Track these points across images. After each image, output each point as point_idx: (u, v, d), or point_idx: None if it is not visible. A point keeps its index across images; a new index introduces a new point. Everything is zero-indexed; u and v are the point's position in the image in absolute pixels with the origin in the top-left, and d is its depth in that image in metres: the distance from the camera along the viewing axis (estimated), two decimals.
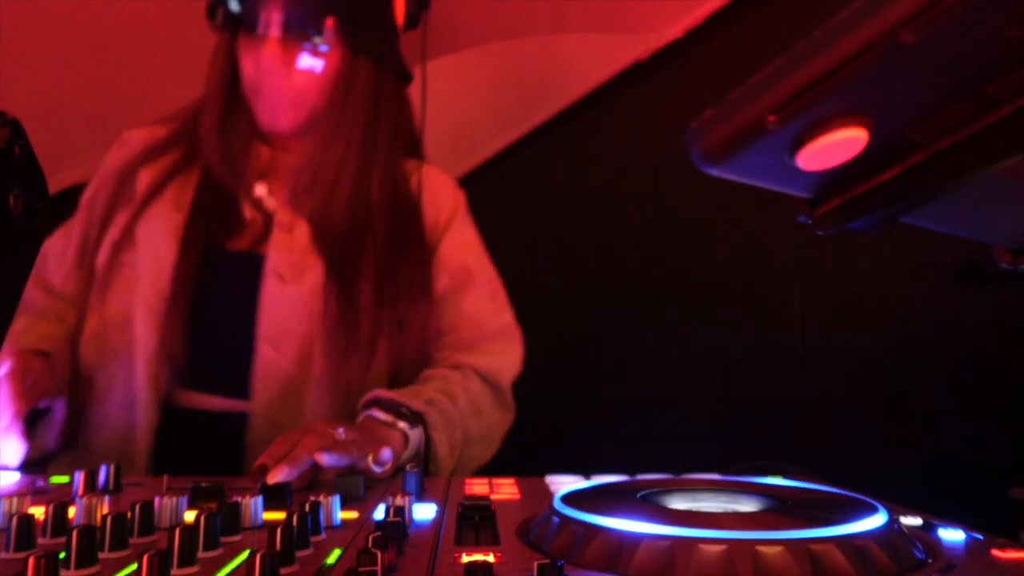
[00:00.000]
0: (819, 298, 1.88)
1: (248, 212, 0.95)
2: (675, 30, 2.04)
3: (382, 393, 0.84)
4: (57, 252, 0.98)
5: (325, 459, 0.64)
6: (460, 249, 1.03)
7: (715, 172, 0.26)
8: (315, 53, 0.92)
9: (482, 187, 2.47)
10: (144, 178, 0.96)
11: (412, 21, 1.01)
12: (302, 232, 0.93)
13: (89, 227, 0.96)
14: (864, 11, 0.21)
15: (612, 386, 2.23)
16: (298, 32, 0.90)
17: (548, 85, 2.25)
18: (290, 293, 0.90)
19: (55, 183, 2.15)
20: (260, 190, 0.97)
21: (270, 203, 0.96)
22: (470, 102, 2.29)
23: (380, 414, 0.81)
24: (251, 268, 0.91)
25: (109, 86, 1.98)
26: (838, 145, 0.24)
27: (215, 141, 0.95)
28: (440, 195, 1.05)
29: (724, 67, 2.00)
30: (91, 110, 2.03)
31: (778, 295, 1.94)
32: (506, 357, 1.01)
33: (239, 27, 0.92)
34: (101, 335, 0.92)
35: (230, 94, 0.96)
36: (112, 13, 1.87)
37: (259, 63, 0.91)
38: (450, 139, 2.35)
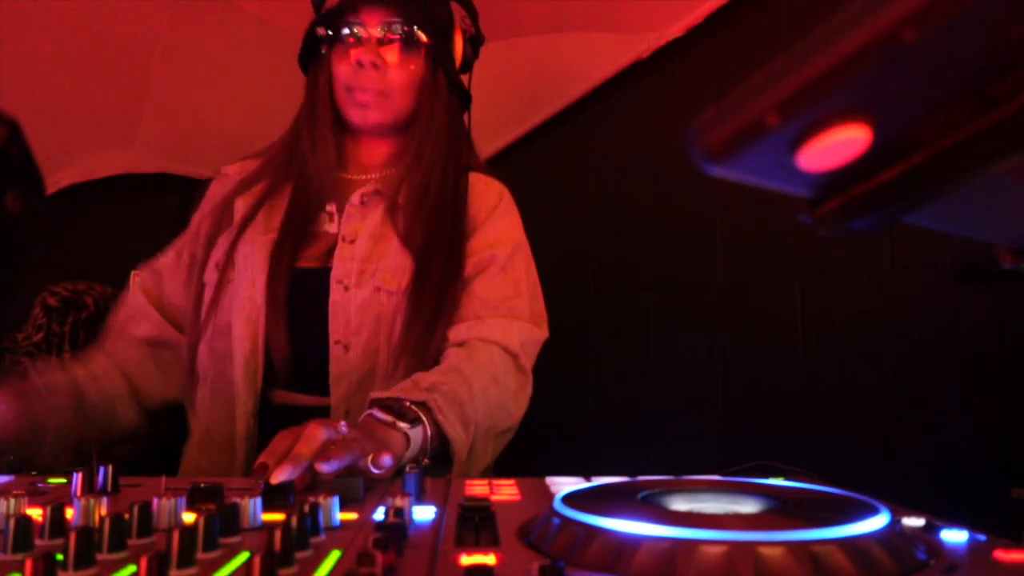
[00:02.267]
0: (820, 298, 1.87)
1: (325, 227, 1.07)
2: (675, 29, 2.04)
3: (379, 394, 0.85)
4: (170, 268, 1.13)
5: (324, 468, 0.64)
6: (492, 235, 1.10)
7: (716, 172, 0.26)
8: (408, 54, 1.05)
9: None
10: (240, 207, 1.08)
11: (467, 65, 1.15)
12: (363, 243, 1.03)
13: (196, 248, 1.10)
14: (865, 10, 0.21)
15: (612, 386, 2.23)
16: (393, 32, 1.03)
17: (548, 85, 2.25)
18: (353, 299, 1.00)
19: (53, 183, 2.16)
20: (330, 207, 1.08)
21: (337, 219, 1.07)
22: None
23: (380, 414, 0.81)
24: (321, 280, 1.02)
25: (108, 86, 1.98)
26: (839, 145, 0.24)
27: (316, 158, 1.08)
28: (485, 193, 1.13)
29: (724, 67, 2.00)
30: (89, 110, 2.03)
31: (778, 295, 1.94)
32: (512, 324, 1.05)
33: (335, 43, 1.06)
34: (212, 343, 1.04)
35: (329, 118, 1.09)
36: (111, 12, 1.87)
37: (357, 60, 1.02)
38: None
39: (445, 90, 1.10)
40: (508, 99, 2.28)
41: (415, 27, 1.04)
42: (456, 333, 1.02)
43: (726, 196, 2.01)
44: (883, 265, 1.77)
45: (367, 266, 1.02)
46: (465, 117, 1.16)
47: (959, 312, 1.67)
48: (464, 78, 1.16)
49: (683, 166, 2.10)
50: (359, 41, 1.03)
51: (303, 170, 1.08)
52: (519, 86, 2.25)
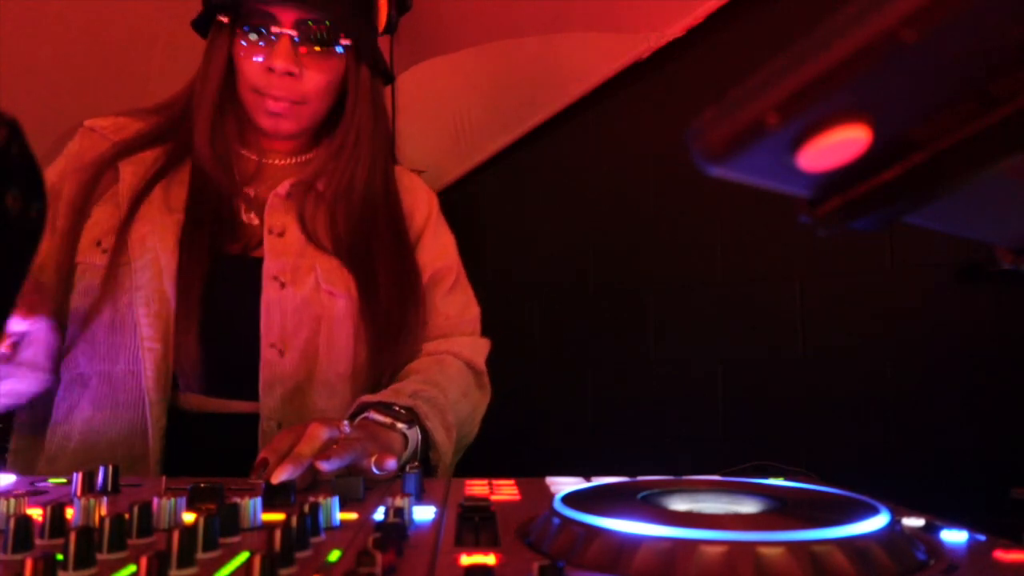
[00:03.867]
0: (820, 299, 1.87)
1: (242, 216, 0.96)
2: (675, 29, 2.04)
3: (368, 398, 0.85)
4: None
5: (325, 467, 0.64)
6: (438, 249, 1.07)
7: (716, 172, 0.26)
8: (326, 57, 0.93)
9: (482, 187, 2.47)
10: (127, 175, 0.93)
11: (391, 26, 1.02)
12: (294, 236, 0.95)
13: (55, 215, 0.91)
14: (865, 10, 0.21)
15: (612, 386, 2.23)
16: (310, 35, 0.90)
17: (548, 85, 2.25)
18: (290, 297, 0.92)
19: None
20: (252, 192, 0.98)
21: (260, 208, 0.97)
22: (470, 102, 2.29)
23: (378, 416, 0.81)
24: (250, 272, 0.92)
25: (108, 85, 1.98)
26: (839, 145, 0.24)
27: (209, 141, 0.95)
28: (416, 196, 1.08)
29: (724, 67, 2.00)
30: (90, 110, 2.03)
31: (779, 296, 1.94)
32: (477, 342, 1.06)
33: (236, 27, 0.92)
34: (96, 340, 0.90)
35: (223, 95, 0.96)
36: (111, 13, 1.87)
37: (268, 64, 0.90)
38: (449, 139, 2.35)
39: (368, 81, 0.99)
40: (508, 99, 2.28)
41: (336, 27, 0.91)
42: (427, 345, 1.01)
43: (726, 196, 2.01)
44: (883, 265, 1.77)
45: (302, 262, 0.93)
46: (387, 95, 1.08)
47: (959, 312, 1.67)
48: (385, 43, 1.07)
49: (683, 166, 2.12)
50: (268, 39, 0.90)
51: (200, 145, 0.95)
52: (519, 86, 2.25)
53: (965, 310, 1.66)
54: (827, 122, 0.24)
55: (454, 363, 1.00)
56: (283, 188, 0.97)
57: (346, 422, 0.72)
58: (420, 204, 1.08)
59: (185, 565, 0.38)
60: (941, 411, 1.67)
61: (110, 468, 0.63)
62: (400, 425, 0.81)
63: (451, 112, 2.30)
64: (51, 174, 0.95)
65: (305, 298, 0.92)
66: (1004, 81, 0.23)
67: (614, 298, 2.25)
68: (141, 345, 0.88)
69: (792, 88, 0.23)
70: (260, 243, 0.94)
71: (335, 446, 0.67)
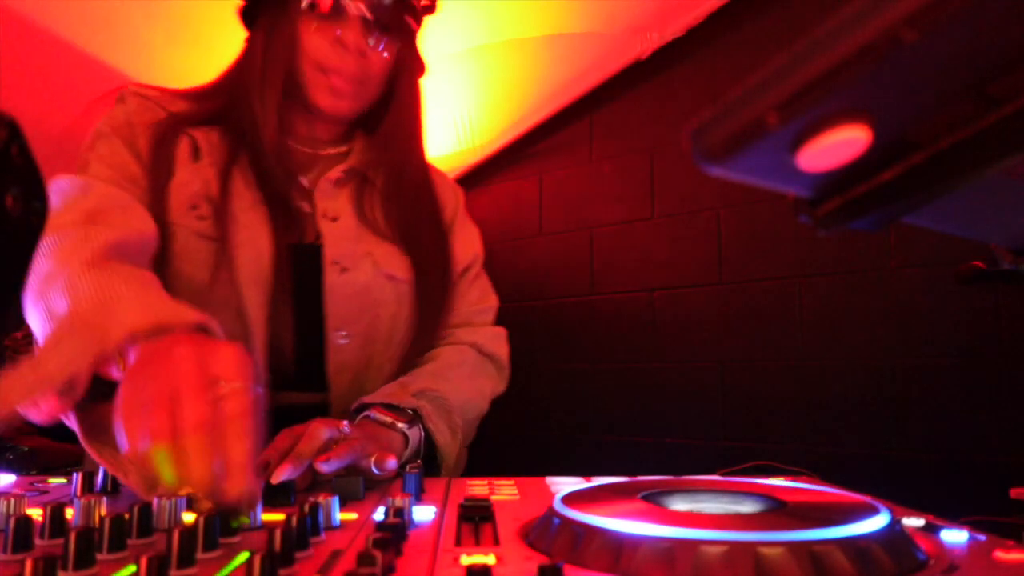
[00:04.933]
0: (820, 299, 1.87)
1: (298, 204, 0.95)
2: (675, 29, 2.04)
3: (370, 398, 0.84)
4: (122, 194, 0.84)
5: (324, 468, 0.64)
6: (466, 241, 1.08)
7: (715, 172, 0.26)
8: (390, 39, 0.93)
9: (482, 187, 2.47)
10: (204, 144, 0.90)
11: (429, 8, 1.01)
12: (348, 222, 0.95)
13: (129, 168, 0.86)
14: (864, 10, 0.21)
15: (612, 386, 2.23)
16: (381, 15, 0.90)
17: (548, 85, 2.25)
18: (351, 281, 0.92)
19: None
20: (305, 182, 0.97)
21: (309, 197, 0.96)
22: (470, 102, 2.29)
23: (379, 415, 0.81)
24: (310, 259, 0.92)
25: (108, 86, 1.98)
26: (839, 145, 0.24)
27: (275, 128, 0.93)
28: (445, 189, 1.10)
29: (724, 67, 2.00)
30: (91, 110, 2.03)
31: (779, 296, 1.94)
32: (498, 333, 1.08)
33: (306, 5, 0.90)
34: (212, 307, 0.79)
35: (286, 81, 0.93)
36: (112, 13, 1.87)
37: (340, 40, 0.89)
38: (449, 139, 2.35)
39: (417, 69, 1.01)
40: (508, 99, 2.28)
41: (404, 10, 0.92)
42: (452, 335, 1.02)
43: (727, 196, 2.01)
44: (883, 265, 1.77)
45: (358, 247, 0.94)
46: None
47: (959, 312, 1.67)
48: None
49: (684, 166, 2.11)
50: (340, 16, 0.89)
51: (255, 131, 0.92)
52: (519, 86, 2.25)
53: (965, 310, 1.65)
54: (827, 122, 0.24)
55: (473, 356, 1.01)
56: (334, 174, 0.97)
57: (346, 422, 0.72)
58: (449, 197, 1.09)
59: (185, 565, 0.38)
60: (941, 411, 1.67)
61: None
62: (401, 424, 0.80)
63: (451, 112, 2.30)
64: (100, 135, 0.89)
65: (365, 283, 0.93)
66: (1004, 81, 0.23)
67: (614, 298, 2.25)
68: (253, 329, 0.85)
69: (792, 88, 0.23)
70: (313, 231, 0.94)
71: (335, 446, 0.67)
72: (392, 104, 1.00)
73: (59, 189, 0.81)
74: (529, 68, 2.20)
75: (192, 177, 0.88)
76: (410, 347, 0.96)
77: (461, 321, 1.04)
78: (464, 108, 2.29)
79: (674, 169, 2.13)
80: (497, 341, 1.07)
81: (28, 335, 2.26)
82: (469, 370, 0.99)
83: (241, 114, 0.93)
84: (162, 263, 0.84)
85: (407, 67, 0.99)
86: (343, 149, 1.02)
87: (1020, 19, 0.21)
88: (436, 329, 0.98)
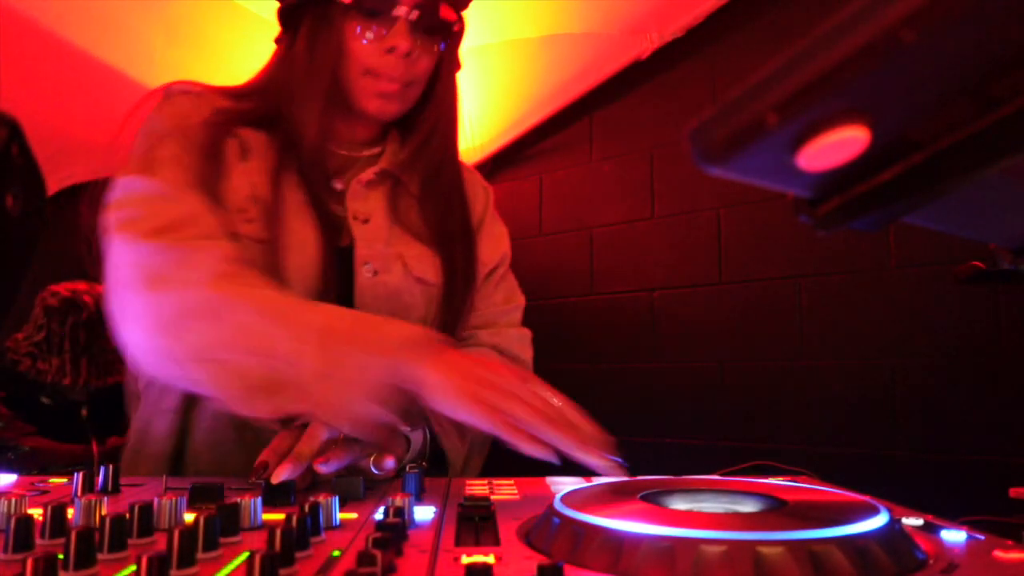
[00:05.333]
0: (820, 299, 1.87)
1: (332, 207, 0.94)
2: (675, 29, 2.04)
3: None
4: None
5: (323, 468, 0.64)
6: (494, 241, 1.07)
7: (715, 172, 0.26)
8: (434, 40, 0.92)
9: None
10: (252, 144, 0.90)
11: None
12: (379, 223, 0.94)
13: (191, 175, 0.85)
14: (864, 10, 0.21)
15: (612, 386, 2.23)
16: (428, 18, 0.89)
17: (548, 85, 2.25)
18: (382, 284, 0.92)
19: (54, 183, 2.16)
20: (339, 185, 0.96)
21: (341, 199, 0.95)
22: (470, 102, 2.29)
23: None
24: (342, 261, 0.91)
25: (108, 86, 1.98)
26: (839, 144, 0.24)
27: (319, 133, 0.92)
28: (475, 187, 1.08)
29: (724, 67, 2.00)
30: (90, 106, 2.03)
31: (779, 296, 1.94)
32: (524, 335, 1.06)
33: (352, 9, 0.89)
34: None
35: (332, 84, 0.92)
36: (112, 13, 1.87)
37: (388, 45, 0.88)
38: None
39: (455, 69, 1.00)
40: (508, 99, 2.28)
41: (451, 13, 0.92)
42: (475, 336, 1.00)
43: (727, 196, 2.01)
44: (884, 265, 1.77)
45: (390, 249, 0.93)
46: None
47: (959, 312, 1.67)
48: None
49: (684, 166, 2.11)
50: (386, 20, 0.88)
51: (297, 134, 0.92)
52: (519, 86, 2.25)
53: (965, 310, 1.66)
54: (827, 122, 0.24)
55: (494, 359, 0.99)
56: (365, 176, 0.96)
57: None
58: (479, 196, 1.08)
59: (185, 565, 0.38)
60: (941, 411, 1.67)
61: (111, 468, 0.63)
62: (403, 427, 0.80)
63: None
64: (152, 131, 0.88)
65: (396, 286, 0.92)
66: (1004, 81, 0.23)
67: (614, 298, 2.26)
68: None
69: (792, 88, 0.23)
70: (347, 234, 0.93)
71: (335, 446, 0.67)
72: (430, 103, 0.98)
73: (135, 191, 0.81)
74: (529, 68, 2.20)
75: (241, 179, 0.88)
76: None
77: (484, 323, 1.03)
78: (464, 108, 2.29)
79: (674, 169, 2.13)
80: (521, 343, 1.05)
81: (29, 336, 2.25)
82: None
83: (284, 118, 0.92)
84: None
85: (447, 66, 0.98)
86: (376, 150, 1.01)
87: (1020, 19, 0.21)
88: (455, 332, 0.96)
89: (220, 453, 0.87)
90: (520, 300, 1.09)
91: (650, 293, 2.17)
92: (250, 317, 0.70)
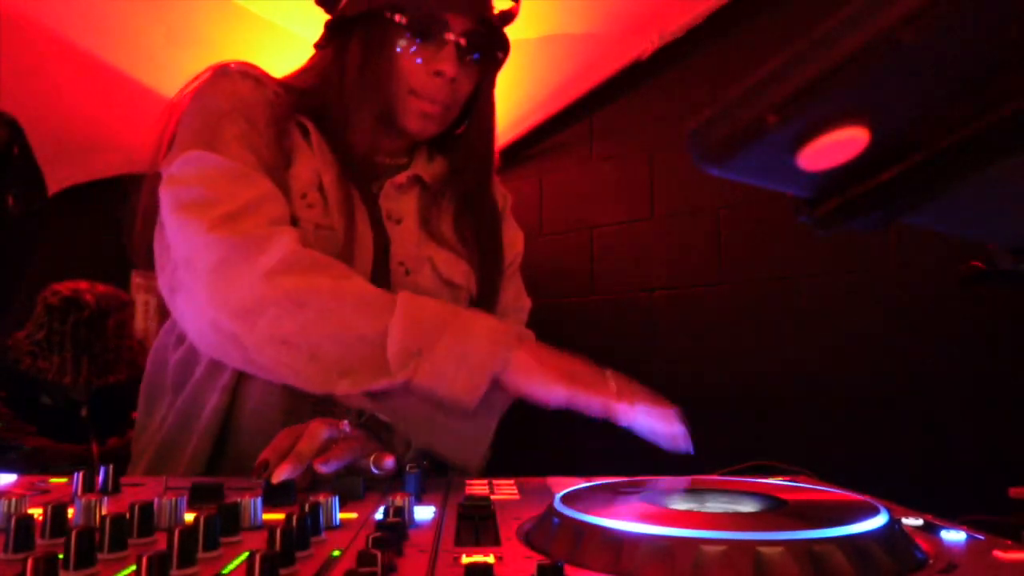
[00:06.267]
0: (820, 299, 1.87)
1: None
2: (675, 29, 2.04)
3: None
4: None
5: (323, 469, 0.64)
6: (511, 242, 1.08)
7: (715, 172, 0.26)
8: (477, 65, 0.94)
9: None
10: (314, 130, 0.91)
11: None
12: (410, 225, 0.96)
13: (262, 155, 0.86)
14: (864, 11, 0.21)
15: None
16: (475, 45, 0.92)
17: (548, 85, 2.25)
18: (411, 284, 0.93)
19: (54, 183, 2.16)
20: (375, 187, 0.98)
21: (378, 199, 0.96)
22: None
23: (381, 416, 0.81)
24: (381, 261, 0.92)
25: (108, 86, 1.98)
26: (838, 145, 0.24)
27: (367, 141, 0.94)
28: (498, 197, 1.10)
29: (724, 67, 2.00)
30: (90, 105, 2.03)
31: (779, 296, 1.94)
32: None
33: (405, 30, 0.91)
34: None
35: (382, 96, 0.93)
36: (112, 12, 1.88)
37: (435, 68, 0.90)
38: None
39: (494, 88, 1.02)
40: (508, 99, 2.28)
41: (497, 39, 0.95)
42: None
43: (727, 196, 2.01)
44: (884, 265, 1.77)
45: (421, 251, 0.95)
46: None
47: (959, 312, 1.67)
48: None
49: (684, 166, 2.11)
50: (437, 43, 0.90)
51: (359, 144, 0.94)
52: (519, 86, 2.25)
53: (965, 310, 1.66)
54: (827, 122, 0.24)
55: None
56: (399, 179, 0.97)
57: (346, 421, 0.72)
58: (499, 200, 1.10)
59: (186, 565, 0.38)
60: (941, 411, 1.67)
61: (110, 468, 0.63)
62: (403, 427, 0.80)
63: None
64: (218, 106, 0.87)
65: (426, 287, 0.93)
66: (1003, 81, 0.23)
67: (615, 298, 2.26)
68: None
69: (792, 88, 0.23)
70: (381, 234, 0.94)
71: (334, 446, 0.67)
72: (471, 122, 1.01)
73: (204, 168, 0.82)
74: (529, 68, 2.20)
75: (305, 166, 0.89)
76: None
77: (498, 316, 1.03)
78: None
79: (674, 169, 2.13)
80: None
81: (30, 335, 2.25)
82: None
83: (335, 120, 0.94)
84: None
85: (487, 88, 1.00)
86: (403, 160, 1.03)
87: (1018, 19, 0.21)
88: None
89: (265, 434, 0.86)
90: (526, 302, 1.11)
91: (650, 293, 2.17)
92: (330, 303, 0.73)
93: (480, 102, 1.00)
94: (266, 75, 0.96)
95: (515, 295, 1.08)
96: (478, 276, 0.99)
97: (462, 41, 0.90)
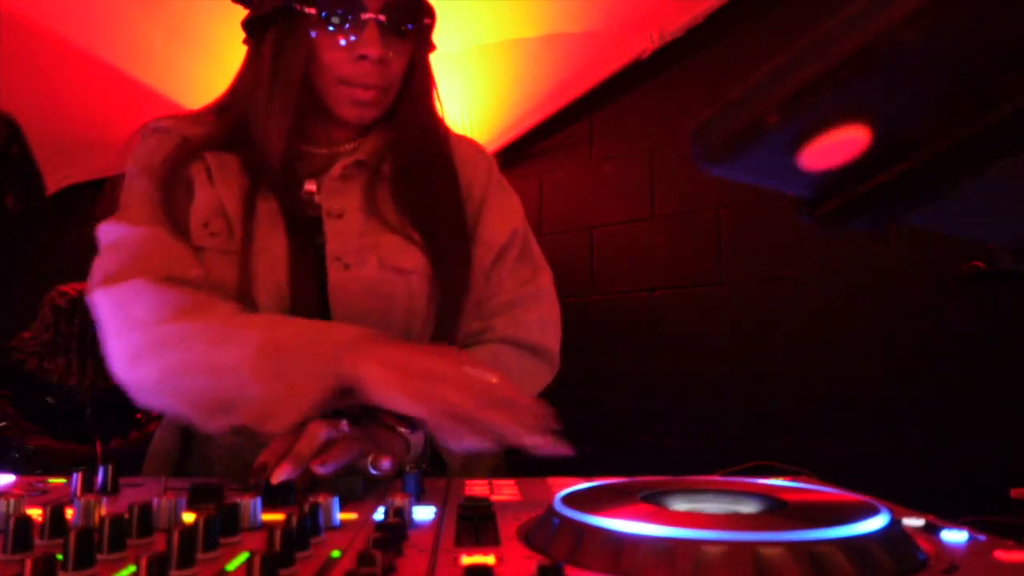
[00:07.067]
0: (820, 299, 1.87)
1: (306, 208, 0.93)
2: (675, 29, 2.04)
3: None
4: (162, 240, 0.88)
5: (321, 470, 0.64)
6: (502, 219, 1.01)
7: (716, 172, 0.26)
8: (405, 39, 0.90)
9: None
10: (216, 164, 0.91)
11: None
12: (353, 217, 0.92)
13: (152, 211, 0.89)
14: (864, 11, 0.21)
15: (612, 386, 2.23)
16: (397, 18, 0.88)
17: (548, 85, 2.25)
18: (355, 277, 0.90)
19: (54, 183, 2.16)
20: (310, 186, 0.94)
21: (318, 196, 0.94)
22: (469, 102, 2.29)
23: (382, 416, 0.81)
24: (317, 258, 0.90)
25: (108, 86, 1.98)
26: (839, 145, 0.24)
27: (285, 144, 0.92)
28: (474, 166, 1.03)
29: (724, 67, 2.00)
30: (90, 103, 2.03)
31: (778, 295, 1.94)
32: (547, 318, 1.02)
33: (318, 17, 0.88)
34: None
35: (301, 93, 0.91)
36: (112, 13, 1.87)
37: (359, 52, 0.86)
38: None
39: (428, 57, 0.97)
40: (508, 99, 2.28)
41: (419, 12, 0.90)
42: (491, 328, 0.97)
43: (727, 196, 2.01)
44: (884, 265, 1.77)
45: (365, 241, 0.91)
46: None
47: (959, 312, 1.67)
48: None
49: (684, 166, 2.11)
50: (355, 26, 0.87)
51: (264, 147, 0.92)
52: (519, 86, 2.25)
53: (965, 310, 1.66)
54: (827, 122, 0.24)
55: (509, 355, 0.96)
56: (336, 170, 0.93)
57: (345, 421, 0.72)
58: (478, 174, 1.03)
59: (185, 565, 0.38)
60: (941, 411, 1.67)
61: (110, 468, 0.63)
62: (402, 428, 0.80)
63: (451, 112, 2.30)
64: (139, 184, 0.92)
65: (370, 279, 0.90)
66: (1004, 81, 0.23)
67: (614, 298, 2.25)
68: None
69: (792, 88, 0.23)
70: (320, 232, 0.92)
71: (333, 447, 0.67)
72: (404, 91, 0.95)
73: (112, 237, 0.88)
74: (529, 68, 2.20)
75: (207, 198, 0.90)
76: (430, 341, 0.92)
77: (500, 310, 0.98)
78: (464, 108, 2.29)
79: (674, 169, 2.13)
80: (544, 328, 1.00)
81: (36, 336, 2.25)
82: (505, 358, 0.95)
83: (252, 128, 0.92)
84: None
85: (419, 54, 0.95)
86: (356, 144, 0.98)
87: (1019, 19, 0.21)
88: (456, 319, 0.93)
89: (236, 461, 0.87)
90: (543, 278, 1.04)
91: (650, 293, 2.17)
92: (199, 343, 0.76)
93: (415, 70, 0.95)
94: (176, 121, 0.96)
95: (526, 277, 1.02)
96: (430, 258, 0.92)
97: (381, 17, 0.86)
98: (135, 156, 0.95)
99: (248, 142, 0.92)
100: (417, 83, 0.96)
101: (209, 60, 1.97)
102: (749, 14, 1.97)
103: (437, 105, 0.99)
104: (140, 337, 0.79)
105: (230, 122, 0.94)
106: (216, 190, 0.90)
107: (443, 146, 1.00)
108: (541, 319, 1.01)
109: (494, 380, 0.67)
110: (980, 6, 0.20)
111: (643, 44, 2.09)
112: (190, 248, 0.87)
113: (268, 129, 0.91)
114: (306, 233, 0.91)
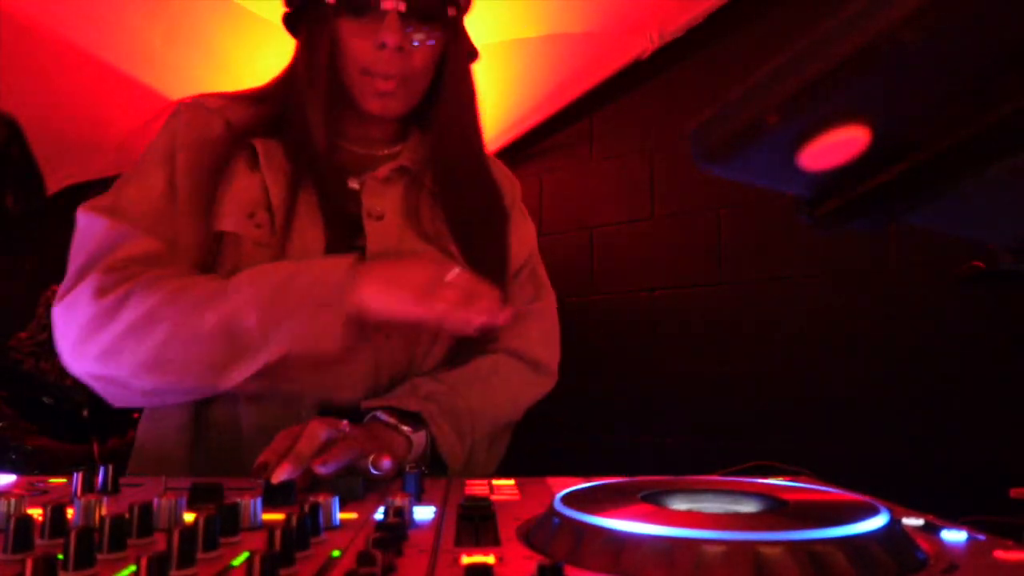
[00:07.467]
0: (820, 298, 1.87)
1: (347, 206, 0.93)
2: (675, 29, 2.04)
3: (375, 402, 0.84)
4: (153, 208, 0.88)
5: (322, 470, 0.64)
6: (522, 238, 1.04)
7: (716, 172, 0.26)
8: (431, 29, 0.90)
9: None
10: (265, 152, 0.90)
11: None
12: (392, 221, 0.93)
13: (182, 181, 0.89)
14: (864, 11, 0.21)
15: (612, 386, 2.23)
16: (418, 7, 0.88)
17: (548, 85, 2.25)
18: None
19: (54, 183, 2.16)
20: (353, 184, 0.95)
21: (362, 195, 0.94)
22: None
23: (384, 416, 0.81)
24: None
25: (108, 86, 1.98)
26: (839, 145, 0.24)
27: (325, 137, 0.92)
28: (503, 181, 1.06)
29: (724, 67, 2.00)
30: (90, 103, 2.03)
31: (779, 295, 1.94)
32: (548, 332, 1.05)
33: (341, 8, 0.89)
34: None
35: (331, 85, 0.92)
36: (112, 13, 1.87)
37: (378, 41, 0.87)
38: None
39: (465, 57, 0.97)
40: (508, 99, 2.28)
41: (442, 1, 0.90)
42: (495, 339, 0.98)
43: (727, 196, 2.01)
44: (884, 265, 1.77)
45: (404, 247, 0.92)
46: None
47: (959, 312, 1.67)
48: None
49: (684, 166, 2.11)
50: (377, 13, 0.87)
51: (307, 138, 0.92)
52: (519, 86, 2.25)
53: (965, 310, 1.66)
54: (827, 122, 0.24)
55: (508, 364, 0.98)
56: (382, 172, 0.94)
57: (345, 421, 0.72)
58: (505, 189, 1.05)
59: (185, 565, 0.38)
60: (941, 411, 1.67)
61: (110, 468, 0.63)
62: (405, 428, 0.80)
63: None
64: (161, 146, 0.91)
65: None
66: (1004, 81, 0.23)
67: (615, 298, 2.26)
68: None
69: (792, 88, 0.23)
70: (360, 232, 0.92)
71: (334, 447, 0.67)
72: (441, 96, 0.96)
73: (88, 229, 0.90)
74: (529, 68, 2.20)
75: (250, 184, 0.89)
76: (455, 347, 0.93)
77: (507, 321, 1.00)
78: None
79: (674, 169, 2.13)
80: (545, 343, 1.03)
81: (33, 336, 2.25)
82: (500, 380, 0.95)
83: (294, 121, 0.92)
84: (229, 272, 0.85)
85: (455, 55, 0.95)
86: (397, 148, 0.99)
87: (1019, 19, 0.21)
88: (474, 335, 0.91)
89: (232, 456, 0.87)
90: (548, 297, 1.07)
91: (650, 293, 2.17)
92: (185, 310, 0.77)
93: (450, 69, 0.95)
94: (221, 100, 0.95)
95: (532, 295, 1.04)
96: (465, 263, 0.92)
97: (401, 6, 0.86)
98: (161, 136, 0.93)
99: (291, 131, 0.92)
100: (453, 87, 0.96)
101: (209, 60, 1.97)
102: (749, 14, 1.97)
103: (479, 118, 1.00)
104: (115, 328, 0.78)
105: (275, 110, 0.94)
106: (260, 179, 0.89)
107: (483, 160, 1.02)
108: (543, 334, 1.04)
109: (458, 269, 0.76)
110: (980, 6, 0.20)
111: (643, 44, 2.09)
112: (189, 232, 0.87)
113: (306, 118, 0.92)
114: (344, 231, 0.91)
